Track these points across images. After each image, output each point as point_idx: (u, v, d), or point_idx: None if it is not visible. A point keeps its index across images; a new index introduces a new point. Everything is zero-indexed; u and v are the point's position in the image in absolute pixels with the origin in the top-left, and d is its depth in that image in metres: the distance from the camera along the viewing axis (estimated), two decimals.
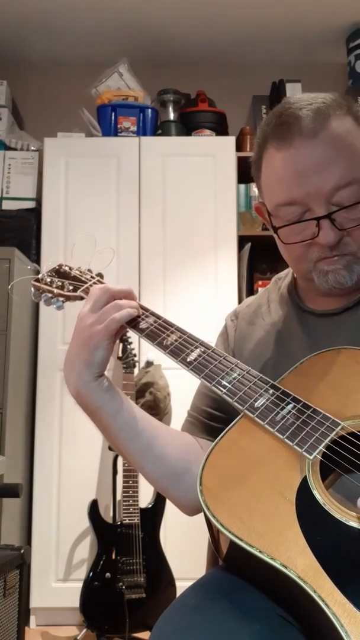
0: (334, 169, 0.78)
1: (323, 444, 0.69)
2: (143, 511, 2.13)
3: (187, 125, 2.80)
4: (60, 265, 1.01)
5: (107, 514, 2.25)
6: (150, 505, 2.18)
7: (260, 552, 0.61)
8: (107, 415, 0.83)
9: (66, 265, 1.00)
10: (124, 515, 2.10)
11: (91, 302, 0.84)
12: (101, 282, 0.96)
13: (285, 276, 1.02)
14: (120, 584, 2.03)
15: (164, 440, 0.87)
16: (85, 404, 0.84)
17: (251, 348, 0.94)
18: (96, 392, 0.82)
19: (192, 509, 0.86)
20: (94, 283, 0.95)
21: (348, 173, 0.78)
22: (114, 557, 2.08)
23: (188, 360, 0.82)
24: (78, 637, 2.18)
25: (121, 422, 0.84)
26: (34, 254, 2.61)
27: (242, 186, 2.70)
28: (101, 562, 2.08)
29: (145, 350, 2.41)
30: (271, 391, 0.76)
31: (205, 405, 0.96)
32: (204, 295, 2.54)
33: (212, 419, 0.94)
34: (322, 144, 0.78)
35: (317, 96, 0.82)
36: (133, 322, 0.87)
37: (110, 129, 2.72)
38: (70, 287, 0.95)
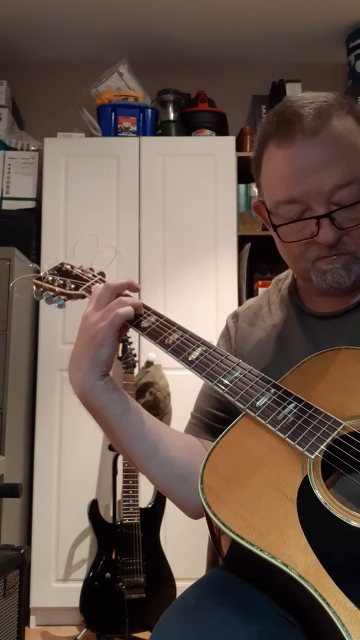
0: (334, 168, 0.78)
1: (324, 444, 0.68)
2: (143, 511, 2.13)
3: (187, 125, 2.81)
4: (62, 264, 1.01)
5: (107, 514, 2.25)
6: (150, 505, 2.18)
7: (261, 550, 0.61)
8: (113, 416, 0.83)
9: (68, 264, 1.00)
10: (124, 515, 2.10)
11: (94, 301, 0.84)
12: (103, 281, 0.96)
13: (285, 277, 1.02)
14: (120, 584, 2.03)
15: (169, 442, 0.86)
16: (91, 403, 0.83)
17: (252, 349, 0.94)
18: (102, 391, 0.82)
19: (196, 513, 0.85)
20: (96, 282, 0.95)
21: (348, 173, 0.78)
22: (114, 557, 2.08)
23: (189, 359, 0.82)
24: (78, 637, 2.18)
25: (126, 424, 0.83)
26: (34, 254, 2.61)
27: (242, 186, 2.70)
28: (101, 562, 2.08)
29: (145, 350, 2.41)
30: (273, 390, 0.76)
31: (209, 407, 0.95)
32: (204, 295, 2.54)
33: (217, 420, 0.93)
34: (324, 142, 0.78)
35: (319, 95, 0.82)
36: (135, 321, 0.87)
37: (110, 129, 2.72)
38: (72, 286, 0.95)
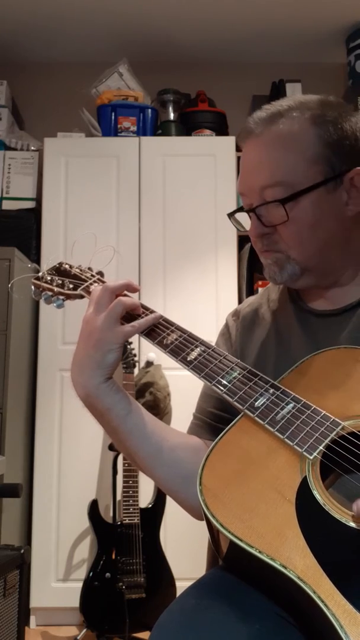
0: (264, 168, 0.83)
1: (323, 444, 0.68)
2: (143, 511, 2.13)
3: (187, 125, 2.80)
4: (60, 264, 1.00)
5: (107, 514, 2.25)
6: (150, 505, 2.18)
7: (260, 552, 0.61)
8: (117, 417, 0.83)
9: (66, 264, 1.00)
10: (124, 515, 2.10)
11: (94, 304, 0.84)
12: (101, 281, 0.96)
13: None
14: (120, 584, 2.03)
15: (173, 442, 0.86)
16: (95, 406, 0.83)
17: (252, 347, 0.94)
18: (107, 393, 0.82)
19: (200, 514, 0.85)
20: (95, 282, 0.95)
21: (275, 174, 0.82)
22: (114, 557, 2.08)
23: (188, 359, 0.82)
24: (78, 637, 2.18)
25: (131, 424, 0.83)
26: (34, 254, 2.61)
27: None
28: (101, 562, 2.08)
29: (145, 350, 2.41)
30: (271, 391, 0.76)
31: (211, 407, 0.95)
32: (204, 295, 2.54)
33: (219, 420, 0.93)
34: (261, 144, 0.84)
35: (294, 98, 0.87)
36: (133, 322, 0.87)
37: (110, 129, 2.72)
38: (71, 286, 0.95)
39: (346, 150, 0.83)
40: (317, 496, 0.64)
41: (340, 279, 0.88)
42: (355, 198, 0.84)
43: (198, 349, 0.83)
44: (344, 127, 0.83)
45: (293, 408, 0.73)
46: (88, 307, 0.85)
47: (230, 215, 0.94)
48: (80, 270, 0.99)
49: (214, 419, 0.94)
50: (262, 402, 0.75)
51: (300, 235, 0.83)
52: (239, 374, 0.79)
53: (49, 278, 0.97)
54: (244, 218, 0.91)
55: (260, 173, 0.83)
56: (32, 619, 2.36)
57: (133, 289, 0.88)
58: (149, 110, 2.76)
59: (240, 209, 0.91)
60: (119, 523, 2.12)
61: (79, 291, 0.94)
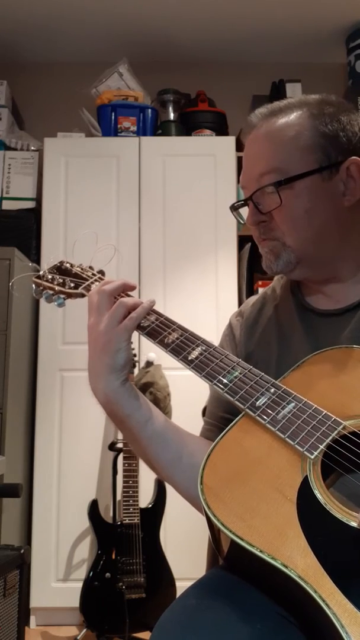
0: (262, 157, 0.85)
1: (324, 444, 0.68)
2: (143, 511, 2.13)
3: (187, 125, 2.81)
4: (61, 262, 1.00)
5: (107, 514, 2.24)
6: (150, 505, 2.18)
7: (260, 551, 0.61)
8: (138, 424, 0.83)
9: (67, 262, 1.00)
10: (124, 515, 2.09)
11: (94, 310, 0.84)
12: (102, 280, 0.96)
13: None
14: (120, 584, 2.03)
15: (191, 448, 0.86)
16: (115, 412, 0.83)
17: (255, 346, 0.94)
18: (125, 398, 0.82)
19: None
20: (95, 280, 0.95)
21: (270, 162, 0.84)
22: (114, 557, 2.08)
23: (189, 358, 0.82)
24: (78, 637, 2.18)
25: (151, 431, 0.83)
26: (34, 254, 2.61)
27: None
28: (101, 562, 2.08)
29: (145, 350, 2.41)
30: (272, 390, 0.76)
31: (222, 412, 0.94)
32: (204, 295, 2.54)
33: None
34: (260, 136, 0.87)
35: (296, 97, 0.89)
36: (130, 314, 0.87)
37: (110, 129, 2.72)
38: (72, 284, 0.95)
39: (343, 142, 0.84)
40: (318, 496, 0.64)
41: (339, 274, 0.88)
42: (351, 188, 0.85)
43: (199, 348, 0.83)
44: (341, 121, 0.84)
45: (294, 407, 0.73)
46: (89, 315, 0.85)
47: (234, 209, 0.94)
48: (81, 269, 0.99)
49: (226, 423, 0.93)
50: (263, 401, 0.75)
51: (295, 221, 0.84)
52: (240, 373, 0.79)
53: (49, 277, 0.97)
54: (246, 214, 0.91)
55: (258, 162, 0.86)
56: (32, 619, 2.36)
57: (130, 287, 0.88)
58: (149, 110, 2.76)
59: (243, 204, 0.91)
60: (119, 523, 2.12)
61: (80, 290, 0.94)
